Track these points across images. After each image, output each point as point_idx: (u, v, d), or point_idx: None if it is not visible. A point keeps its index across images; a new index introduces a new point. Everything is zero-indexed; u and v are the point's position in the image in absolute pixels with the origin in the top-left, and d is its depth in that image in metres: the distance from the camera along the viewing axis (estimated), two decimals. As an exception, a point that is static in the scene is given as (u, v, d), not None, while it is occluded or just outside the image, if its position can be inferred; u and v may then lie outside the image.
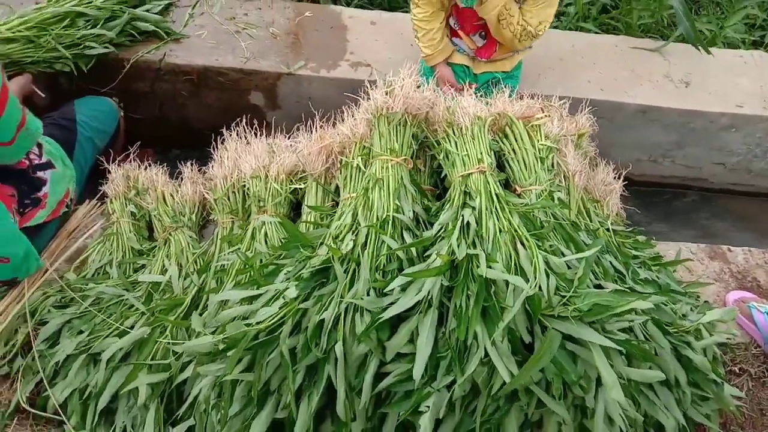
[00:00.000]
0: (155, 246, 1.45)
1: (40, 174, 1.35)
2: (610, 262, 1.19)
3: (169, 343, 1.23)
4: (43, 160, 1.37)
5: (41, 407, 1.31)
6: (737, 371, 1.56)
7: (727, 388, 1.34)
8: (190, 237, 1.44)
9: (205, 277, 1.35)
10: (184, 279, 1.37)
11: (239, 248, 1.24)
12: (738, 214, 2.33)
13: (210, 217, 1.47)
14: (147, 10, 1.83)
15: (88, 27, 1.68)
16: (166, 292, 1.36)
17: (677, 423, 1.20)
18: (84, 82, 1.72)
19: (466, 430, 1.04)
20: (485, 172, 1.09)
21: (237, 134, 1.47)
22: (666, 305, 1.16)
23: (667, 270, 1.35)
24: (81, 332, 1.32)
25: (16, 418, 1.33)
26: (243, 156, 1.38)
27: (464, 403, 1.02)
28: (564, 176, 1.20)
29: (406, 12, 2.06)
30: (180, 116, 2.01)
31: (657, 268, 1.34)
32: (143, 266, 1.41)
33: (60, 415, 1.31)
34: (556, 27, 2.20)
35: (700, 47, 2.02)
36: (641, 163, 2.24)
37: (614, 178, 1.57)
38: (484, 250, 0.99)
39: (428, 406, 0.98)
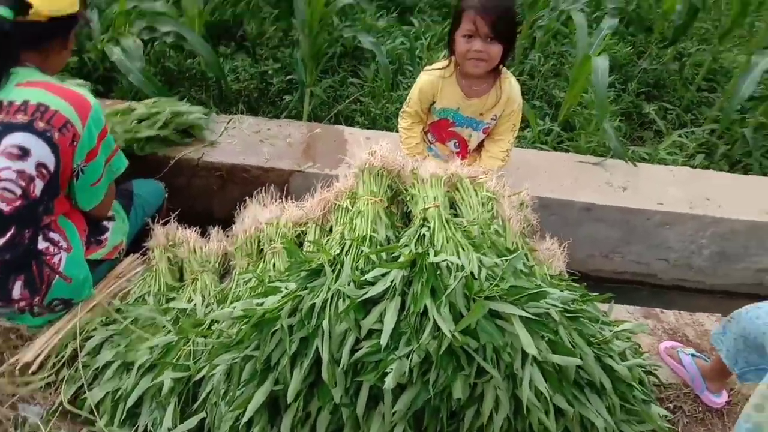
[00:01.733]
0: (184, 284, 1.81)
1: (106, 223, 1.77)
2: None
3: (190, 346, 1.55)
4: (109, 213, 1.79)
5: (79, 408, 1.59)
6: (672, 408, 1.81)
7: (656, 408, 1.60)
8: (213, 278, 1.81)
9: (224, 306, 1.70)
10: (206, 306, 1.72)
11: (254, 271, 1.61)
12: (686, 308, 2.64)
13: (230, 263, 1.85)
14: (189, 112, 2.36)
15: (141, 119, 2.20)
16: (191, 317, 1.69)
17: (607, 424, 1.46)
18: (137, 171, 2.20)
19: (424, 399, 1.33)
20: (439, 207, 1.49)
21: (256, 200, 1.90)
22: (584, 317, 1.49)
23: (593, 304, 1.68)
24: (119, 345, 1.64)
25: (56, 417, 1.60)
26: (260, 212, 1.79)
27: (420, 371, 1.32)
28: (501, 219, 1.59)
29: (392, 131, 2.60)
30: (206, 207, 2.46)
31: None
32: (174, 298, 1.76)
33: (94, 415, 1.58)
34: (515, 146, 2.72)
35: (627, 160, 2.51)
36: (595, 259, 2.62)
37: (560, 251, 1.95)
38: (435, 251, 1.36)
39: (392, 369, 1.28)
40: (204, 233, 1.98)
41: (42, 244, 1.55)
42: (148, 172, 2.20)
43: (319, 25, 2.75)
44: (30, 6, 1.44)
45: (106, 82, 2.83)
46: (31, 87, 1.48)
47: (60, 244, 1.59)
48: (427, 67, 2.11)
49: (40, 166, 1.47)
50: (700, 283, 2.67)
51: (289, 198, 1.93)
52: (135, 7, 2.67)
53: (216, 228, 1.97)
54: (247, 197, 1.99)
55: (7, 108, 1.44)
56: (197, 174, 2.36)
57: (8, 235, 1.47)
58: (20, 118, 1.44)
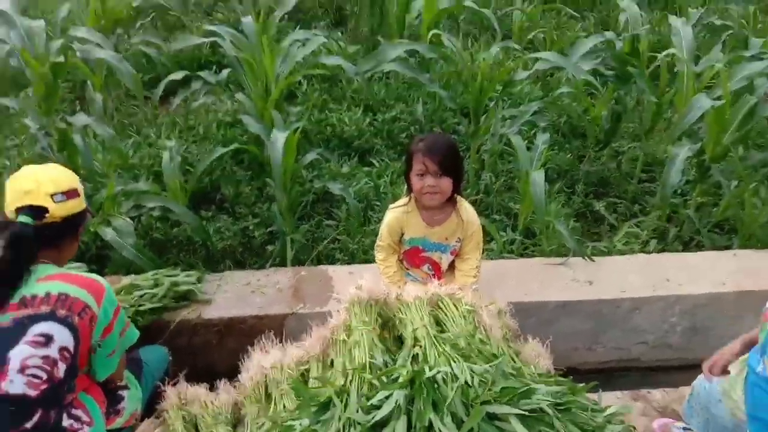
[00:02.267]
0: (200, 440, 1.90)
1: (120, 392, 1.88)
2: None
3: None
4: (123, 383, 1.92)
5: None
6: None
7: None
8: (228, 430, 1.91)
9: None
10: (223, 455, 1.80)
11: (266, 415, 1.73)
12: (673, 384, 2.77)
13: (242, 412, 1.96)
14: (184, 282, 2.55)
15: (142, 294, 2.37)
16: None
17: None
18: (141, 338, 2.34)
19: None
20: (426, 326, 1.67)
21: (258, 348, 2.05)
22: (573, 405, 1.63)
23: (582, 394, 1.82)
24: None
25: None
26: (263, 358, 1.94)
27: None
28: (483, 328, 1.77)
29: (372, 263, 2.82)
30: (208, 363, 2.58)
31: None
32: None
33: None
34: (482, 258, 2.96)
35: (586, 257, 2.77)
36: (579, 352, 2.78)
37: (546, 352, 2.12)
38: (429, 368, 1.53)
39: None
40: (212, 387, 2.09)
41: (66, 422, 1.66)
42: (150, 337, 2.34)
43: (291, 180, 3.05)
44: (47, 211, 1.67)
45: (99, 259, 3.03)
46: (51, 281, 1.66)
47: (82, 419, 1.70)
48: (391, 206, 2.39)
49: (62, 349, 1.62)
50: (681, 359, 2.83)
51: (287, 340, 2.09)
52: (122, 190, 2.94)
53: (222, 380, 2.09)
54: (248, 346, 2.14)
55: (31, 301, 1.62)
56: (196, 333, 2.51)
57: (36, 417, 1.58)
58: (44, 308, 1.61)
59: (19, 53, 2.78)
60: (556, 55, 3.37)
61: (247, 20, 3.72)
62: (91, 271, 2.85)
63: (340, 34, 6.04)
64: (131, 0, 4.42)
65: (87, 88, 3.89)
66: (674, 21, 3.61)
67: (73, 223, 1.77)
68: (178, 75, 3.56)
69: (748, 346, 1.63)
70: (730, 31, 4.59)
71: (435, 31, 3.75)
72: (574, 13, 5.82)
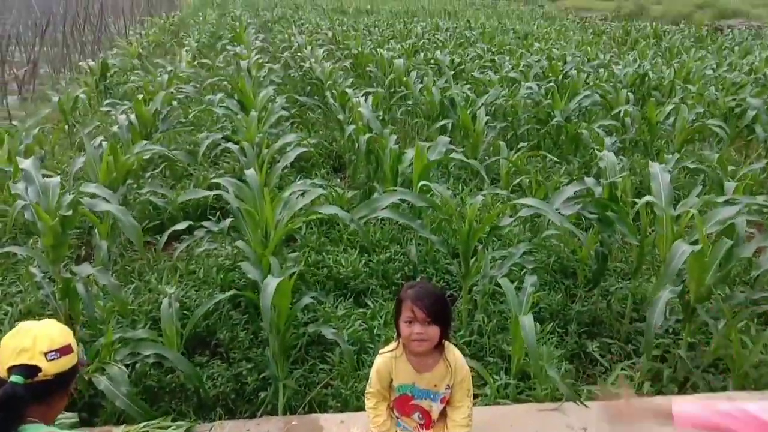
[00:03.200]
0: None
1: None
2: None
3: None
4: None
5: None
6: None
7: None
8: None
9: None
10: None
11: None
12: None
13: None
14: None
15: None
16: None
17: None
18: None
19: None
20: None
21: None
22: None
23: None
24: None
25: None
26: None
27: None
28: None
29: (364, 410, 2.80)
30: None
31: None
32: None
33: None
34: (475, 404, 2.94)
35: (578, 402, 2.76)
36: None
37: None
38: None
39: None
40: None
41: None
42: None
43: (285, 324, 3.11)
44: (40, 370, 1.70)
45: (91, 408, 3.01)
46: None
47: None
48: (381, 351, 2.44)
49: None
50: None
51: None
52: (119, 337, 2.99)
53: None
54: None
55: (18, 463, 1.62)
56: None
57: None
58: (30, 468, 1.61)
59: (33, 208, 2.97)
60: (539, 201, 3.57)
61: (250, 173, 3.99)
62: (81, 422, 2.84)
63: (339, 180, 6.42)
64: (142, 153, 4.74)
65: (94, 234, 4.09)
66: (653, 167, 3.86)
67: (64, 378, 1.79)
68: (182, 225, 3.75)
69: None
70: (703, 175, 4.88)
71: (423, 182, 4.00)
72: (557, 160, 6.19)
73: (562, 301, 4.12)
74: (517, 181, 5.60)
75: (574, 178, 5.92)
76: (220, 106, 6.51)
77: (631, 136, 7.11)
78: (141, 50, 13.08)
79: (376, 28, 17.86)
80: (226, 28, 17.35)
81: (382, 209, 3.63)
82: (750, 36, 19.70)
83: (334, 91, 7.85)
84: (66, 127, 7.11)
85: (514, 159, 5.82)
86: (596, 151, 5.54)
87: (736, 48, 15.69)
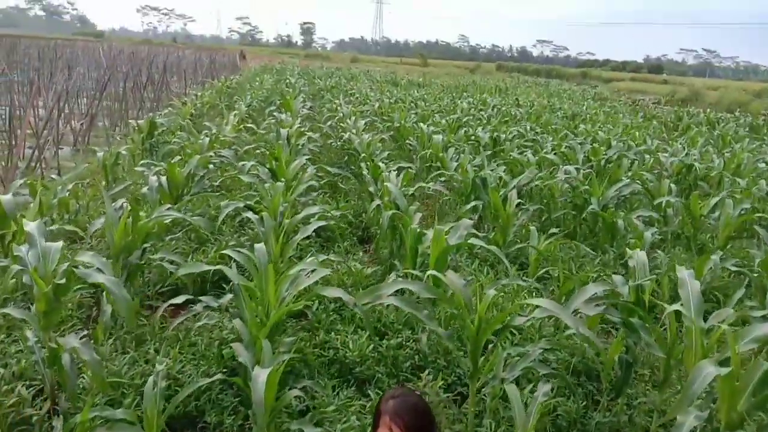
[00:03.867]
0: None
1: None
2: None
3: None
4: None
5: None
6: None
7: None
8: None
9: None
10: None
11: None
12: None
13: None
14: None
15: None
16: None
17: None
18: None
19: None
20: None
21: None
22: None
23: None
24: None
25: None
26: None
27: None
28: None
29: None
30: None
31: None
32: None
33: None
34: None
35: None
36: None
37: None
38: None
39: None
40: None
41: None
42: None
43: (269, 417, 2.92)
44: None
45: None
46: None
47: None
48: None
49: None
50: None
51: None
52: (96, 416, 2.85)
53: None
54: None
55: None
56: None
57: None
58: None
59: (30, 273, 2.93)
60: (553, 303, 3.31)
61: (260, 247, 3.90)
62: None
63: (363, 252, 6.30)
64: (163, 218, 4.74)
65: (101, 297, 4.04)
66: (681, 272, 3.57)
67: None
68: (179, 299, 3.66)
69: None
70: (747, 281, 4.53)
71: (432, 272, 3.82)
72: (590, 250, 5.91)
73: (581, 410, 3.78)
74: (544, 270, 5.34)
75: (607, 271, 5.62)
76: (251, 174, 6.56)
77: (673, 228, 6.77)
78: (194, 111, 13.63)
79: (423, 102, 18.15)
80: (279, 93, 17.96)
81: (389, 295, 3.45)
82: (809, 127, 19.14)
83: (369, 163, 7.87)
84: (104, 183, 7.29)
85: (544, 246, 5.58)
86: (631, 245, 5.26)
87: (794, 139, 15.20)
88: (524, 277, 5.31)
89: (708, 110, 23.03)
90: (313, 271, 3.92)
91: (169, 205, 5.27)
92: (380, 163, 7.36)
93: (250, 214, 4.84)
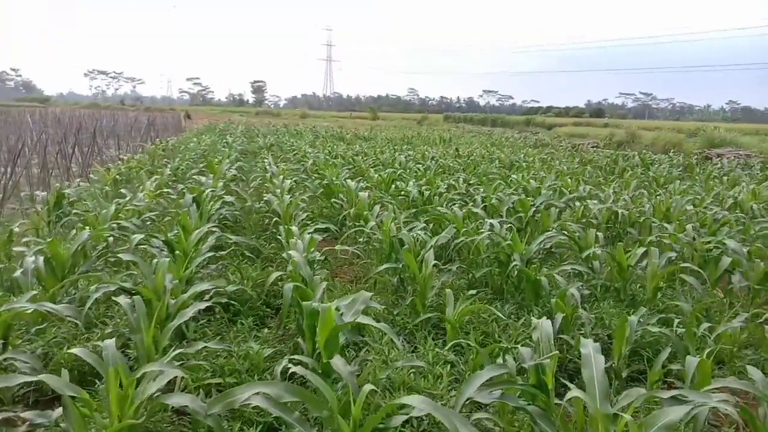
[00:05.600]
0: None
1: None
2: None
3: None
4: None
5: None
6: None
7: None
8: None
9: None
10: None
11: None
12: None
13: None
14: None
15: None
16: None
17: None
18: None
19: None
20: None
21: None
22: None
23: None
24: None
25: None
26: None
27: None
28: None
29: None
30: None
31: None
32: None
33: None
34: None
35: None
36: None
37: None
38: None
39: None
40: None
41: None
42: None
43: None
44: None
45: None
46: None
47: None
48: None
49: None
50: None
51: None
52: None
53: None
54: None
55: None
56: None
57: None
58: None
59: None
60: (430, 402, 2.77)
61: (109, 344, 3.34)
62: None
63: (267, 329, 5.73)
64: (18, 309, 4.13)
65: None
66: (585, 347, 3.17)
67: None
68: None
69: None
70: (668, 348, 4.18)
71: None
72: (515, 312, 5.50)
73: None
74: (462, 338, 4.88)
75: (530, 333, 5.20)
76: (140, 247, 5.96)
77: (600, 281, 6.47)
78: (118, 177, 12.94)
79: (363, 156, 17.92)
80: (213, 154, 17.45)
81: (245, 401, 2.91)
82: (738, 165, 19.69)
83: (285, 226, 7.40)
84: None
85: (463, 309, 5.14)
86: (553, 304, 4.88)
87: (725, 178, 15.47)
88: (439, 347, 4.86)
89: (644, 152, 23.59)
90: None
91: (34, 293, 4.64)
92: (293, 227, 6.88)
93: (121, 299, 4.25)
